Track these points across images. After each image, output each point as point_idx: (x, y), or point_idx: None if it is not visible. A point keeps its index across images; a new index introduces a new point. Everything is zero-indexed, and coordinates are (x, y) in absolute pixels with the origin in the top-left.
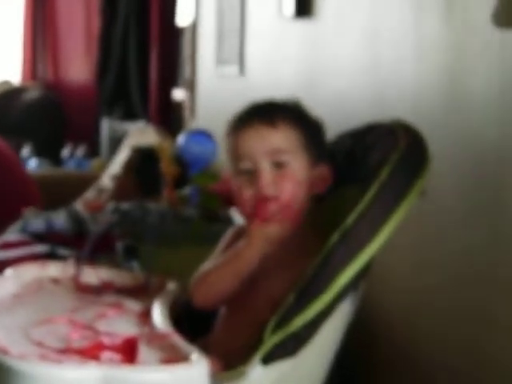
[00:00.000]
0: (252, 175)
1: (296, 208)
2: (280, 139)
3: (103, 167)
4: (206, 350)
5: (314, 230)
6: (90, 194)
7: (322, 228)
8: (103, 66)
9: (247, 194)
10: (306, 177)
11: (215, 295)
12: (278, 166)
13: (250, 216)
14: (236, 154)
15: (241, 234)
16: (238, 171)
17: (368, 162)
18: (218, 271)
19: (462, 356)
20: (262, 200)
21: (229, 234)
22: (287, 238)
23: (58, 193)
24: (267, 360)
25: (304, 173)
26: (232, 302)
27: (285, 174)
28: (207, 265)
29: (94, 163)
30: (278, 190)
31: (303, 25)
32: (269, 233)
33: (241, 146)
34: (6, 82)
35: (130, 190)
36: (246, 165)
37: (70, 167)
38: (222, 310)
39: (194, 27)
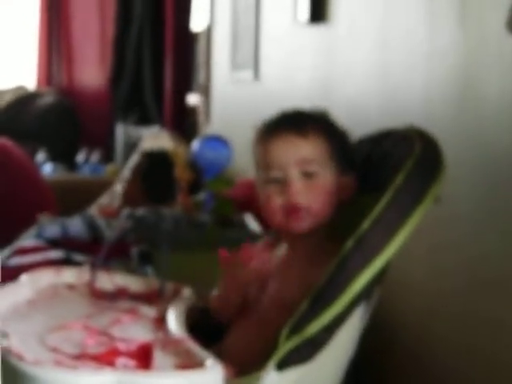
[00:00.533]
0: (281, 184)
1: (324, 215)
2: (310, 149)
3: (117, 172)
4: (220, 356)
5: (329, 237)
6: (104, 200)
7: (338, 233)
8: (118, 72)
9: (277, 202)
10: (334, 185)
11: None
12: (307, 175)
13: (281, 225)
14: (265, 163)
15: (271, 246)
16: (266, 180)
17: (384, 167)
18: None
19: (475, 361)
20: (293, 208)
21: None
22: (300, 245)
23: (73, 198)
24: (282, 365)
25: (332, 183)
26: (244, 308)
27: (315, 184)
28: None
29: (109, 168)
30: (308, 200)
31: (317, 30)
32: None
33: (270, 155)
34: (21, 87)
35: (137, 196)
36: (275, 174)
37: (84, 172)
38: (235, 317)
39: (208, 32)
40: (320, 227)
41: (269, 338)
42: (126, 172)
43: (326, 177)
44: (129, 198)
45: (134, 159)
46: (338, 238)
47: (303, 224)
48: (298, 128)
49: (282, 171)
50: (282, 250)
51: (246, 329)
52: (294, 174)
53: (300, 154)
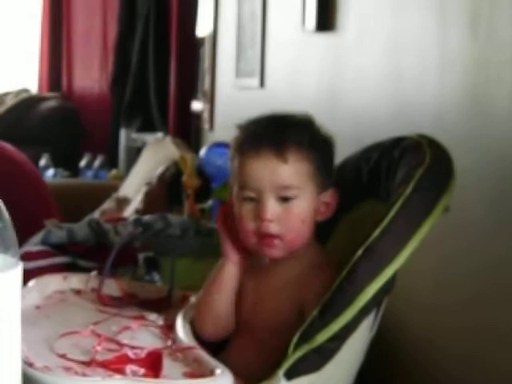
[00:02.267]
0: (256, 205)
1: (299, 243)
2: (289, 174)
3: (120, 178)
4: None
5: (323, 253)
6: (107, 205)
7: (344, 242)
8: (121, 77)
9: (250, 226)
10: (312, 209)
11: (208, 320)
12: (284, 200)
13: (255, 248)
14: (242, 182)
15: None
16: (241, 197)
17: (393, 176)
18: (202, 294)
19: (484, 375)
20: (266, 236)
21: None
22: (292, 260)
23: (75, 203)
24: (291, 374)
25: (311, 207)
26: (237, 323)
27: (291, 210)
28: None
29: (112, 174)
30: (282, 228)
31: (325, 38)
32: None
33: (248, 175)
34: (25, 90)
35: (160, 201)
36: (250, 194)
37: (87, 178)
38: (229, 337)
39: (213, 39)
40: (305, 246)
41: (267, 358)
42: (136, 179)
43: (305, 201)
44: (151, 203)
45: (162, 166)
46: (344, 246)
47: (276, 252)
48: (278, 149)
49: (257, 194)
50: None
51: (243, 349)
52: (270, 200)
53: (278, 179)
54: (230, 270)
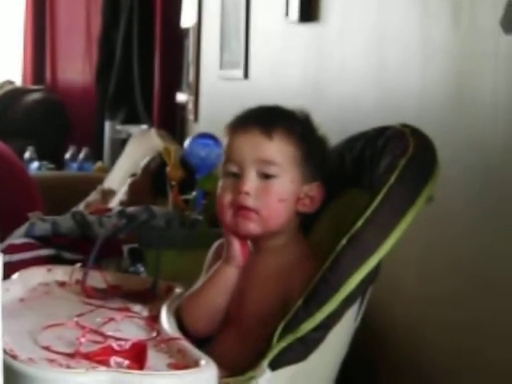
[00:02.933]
0: (237, 180)
1: (275, 222)
2: (272, 151)
3: (105, 170)
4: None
5: (306, 244)
6: (92, 197)
7: (328, 231)
8: (105, 69)
9: (227, 198)
10: (292, 193)
11: (204, 318)
12: (265, 177)
13: (229, 224)
14: (226, 156)
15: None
16: (225, 172)
17: (377, 166)
18: (201, 294)
19: (468, 366)
20: (241, 208)
21: (211, 251)
22: (277, 251)
23: (60, 195)
24: (275, 364)
25: (291, 189)
26: (225, 314)
27: (270, 187)
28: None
29: (97, 166)
30: (258, 203)
31: (308, 29)
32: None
33: (232, 148)
34: (10, 82)
35: (144, 193)
36: (232, 168)
37: (72, 170)
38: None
39: (197, 30)
40: (289, 236)
41: (252, 348)
42: (137, 169)
43: (285, 182)
44: (136, 195)
45: (147, 158)
46: (328, 235)
47: (250, 226)
48: (264, 126)
49: (239, 167)
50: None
51: (228, 340)
52: (250, 173)
53: (260, 153)
54: (233, 274)
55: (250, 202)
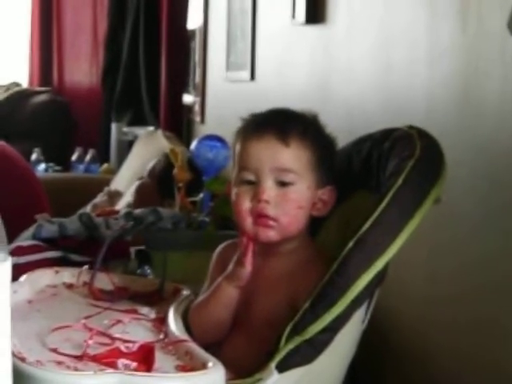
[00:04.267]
0: (254, 188)
1: (294, 229)
2: (290, 159)
3: (112, 172)
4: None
5: (315, 247)
6: (99, 199)
7: (335, 233)
8: (112, 71)
9: (246, 207)
10: (309, 199)
11: (211, 330)
12: (282, 184)
13: (248, 231)
14: (242, 163)
15: (232, 249)
16: (240, 180)
17: (384, 168)
18: (204, 308)
19: (475, 368)
20: (261, 216)
21: (216, 255)
22: (286, 254)
23: (67, 197)
24: (283, 367)
25: (308, 196)
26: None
27: (288, 195)
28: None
29: (103, 168)
30: (278, 211)
31: (315, 30)
32: (246, 273)
33: (247, 156)
34: (16, 84)
35: (152, 194)
36: (249, 176)
37: (78, 172)
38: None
39: (204, 32)
40: (299, 240)
41: (259, 351)
42: (144, 171)
43: (302, 189)
44: (143, 197)
45: (153, 160)
46: (333, 237)
47: (270, 234)
48: (281, 133)
49: (256, 176)
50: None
51: (236, 342)
52: (268, 182)
53: (278, 161)
54: (235, 293)
55: (269, 210)
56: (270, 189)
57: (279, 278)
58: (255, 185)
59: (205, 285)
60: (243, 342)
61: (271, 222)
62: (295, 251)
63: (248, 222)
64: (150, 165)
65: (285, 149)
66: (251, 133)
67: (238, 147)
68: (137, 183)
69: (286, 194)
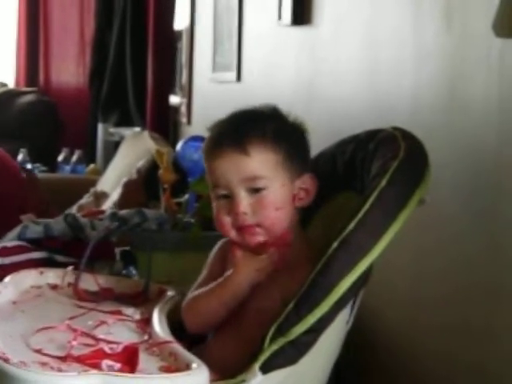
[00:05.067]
0: (229, 201)
1: (279, 228)
2: (254, 167)
3: (98, 173)
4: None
5: (307, 244)
6: (85, 200)
7: (320, 234)
8: (99, 72)
9: (226, 221)
10: (286, 196)
11: (203, 322)
12: (255, 190)
13: (237, 241)
14: (212, 180)
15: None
16: (215, 195)
17: (369, 169)
18: (205, 300)
19: (459, 370)
20: (243, 227)
21: (216, 248)
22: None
23: (53, 198)
24: (267, 368)
25: (284, 194)
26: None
27: (263, 200)
28: (197, 287)
29: (89, 168)
30: (258, 218)
31: (301, 31)
32: (256, 264)
33: (214, 173)
34: (3, 84)
35: (138, 195)
36: (222, 191)
37: (65, 172)
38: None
39: (190, 33)
40: (295, 238)
41: (249, 352)
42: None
43: (276, 190)
44: (129, 194)
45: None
46: (320, 239)
47: (259, 237)
48: (238, 144)
49: (227, 189)
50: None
51: (225, 342)
52: (240, 193)
53: (243, 172)
54: (239, 289)
55: (249, 220)
56: (243, 199)
57: (273, 275)
58: (230, 198)
59: (201, 277)
60: (233, 339)
61: (255, 229)
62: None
63: (233, 234)
64: (140, 163)
65: (246, 158)
66: (211, 150)
67: (206, 166)
68: (124, 179)
69: (261, 199)
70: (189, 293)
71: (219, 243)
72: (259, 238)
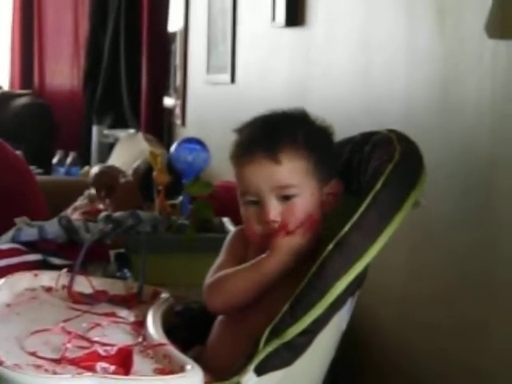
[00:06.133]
0: (259, 208)
1: (307, 214)
2: (286, 176)
3: None
4: (200, 360)
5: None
6: (80, 202)
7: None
8: (93, 74)
9: (256, 228)
10: (316, 203)
11: (229, 302)
12: (286, 198)
13: (267, 248)
14: (241, 187)
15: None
16: (244, 202)
17: (364, 171)
18: (236, 280)
19: (452, 368)
20: (274, 233)
21: (235, 233)
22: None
23: (48, 200)
24: (261, 369)
25: (313, 201)
26: (232, 314)
27: (294, 207)
28: (217, 269)
29: (84, 171)
30: (288, 224)
31: (295, 33)
32: (293, 244)
33: (244, 180)
34: None
35: (133, 197)
36: (252, 198)
37: (59, 175)
38: (219, 321)
39: (184, 34)
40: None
41: (251, 346)
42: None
43: (307, 198)
44: (125, 194)
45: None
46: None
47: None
48: (270, 152)
49: (257, 196)
50: None
51: (230, 336)
52: (271, 201)
53: (275, 180)
54: (274, 272)
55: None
56: (274, 208)
57: (285, 275)
58: (259, 204)
59: (219, 260)
60: (237, 342)
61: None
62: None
63: (263, 242)
64: (135, 164)
65: (278, 167)
66: (241, 156)
67: (234, 171)
68: (121, 181)
69: (291, 207)
70: (208, 275)
71: (236, 230)
72: None
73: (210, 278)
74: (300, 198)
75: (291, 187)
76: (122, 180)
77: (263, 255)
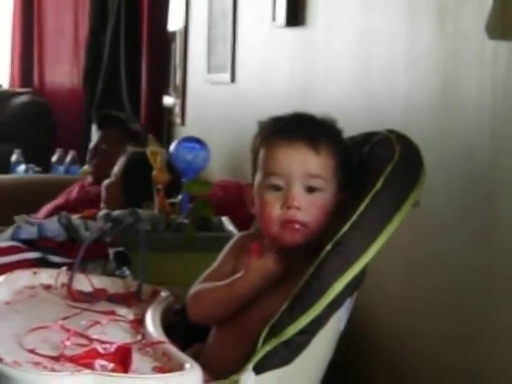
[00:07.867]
0: (282, 193)
1: (318, 233)
2: (320, 166)
3: None
4: (199, 359)
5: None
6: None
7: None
8: (93, 73)
9: (275, 213)
10: (333, 205)
11: (204, 316)
12: (310, 190)
13: (276, 236)
14: (269, 168)
15: (250, 241)
16: (266, 185)
17: (364, 172)
18: (211, 297)
19: (454, 375)
20: (291, 222)
21: (233, 243)
22: (294, 262)
23: (47, 198)
24: (260, 369)
25: (333, 201)
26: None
27: (316, 201)
28: (205, 279)
29: (83, 169)
30: (307, 217)
31: (295, 33)
32: (266, 267)
33: (277, 161)
34: None
35: (117, 197)
36: (277, 181)
37: (59, 173)
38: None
39: (184, 34)
40: (312, 244)
41: (246, 348)
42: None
43: (329, 195)
44: (109, 199)
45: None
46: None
47: (298, 238)
48: (311, 140)
49: (285, 181)
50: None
51: (225, 337)
52: (298, 187)
53: (308, 168)
54: (245, 292)
55: (300, 216)
56: (299, 195)
57: (284, 278)
58: (283, 190)
59: (211, 268)
60: (232, 345)
61: (299, 227)
62: (307, 250)
63: (275, 228)
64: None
65: (315, 156)
66: (280, 138)
67: (263, 152)
68: (105, 182)
69: (314, 200)
70: (196, 282)
71: (237, 237)
72: (298, 237)
73: (194, 287)
74: (323, 194)
75: (320, 179)
76: (106, 181)
77: (238, 274)
